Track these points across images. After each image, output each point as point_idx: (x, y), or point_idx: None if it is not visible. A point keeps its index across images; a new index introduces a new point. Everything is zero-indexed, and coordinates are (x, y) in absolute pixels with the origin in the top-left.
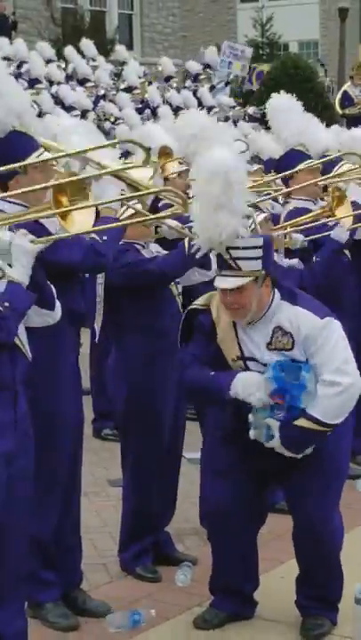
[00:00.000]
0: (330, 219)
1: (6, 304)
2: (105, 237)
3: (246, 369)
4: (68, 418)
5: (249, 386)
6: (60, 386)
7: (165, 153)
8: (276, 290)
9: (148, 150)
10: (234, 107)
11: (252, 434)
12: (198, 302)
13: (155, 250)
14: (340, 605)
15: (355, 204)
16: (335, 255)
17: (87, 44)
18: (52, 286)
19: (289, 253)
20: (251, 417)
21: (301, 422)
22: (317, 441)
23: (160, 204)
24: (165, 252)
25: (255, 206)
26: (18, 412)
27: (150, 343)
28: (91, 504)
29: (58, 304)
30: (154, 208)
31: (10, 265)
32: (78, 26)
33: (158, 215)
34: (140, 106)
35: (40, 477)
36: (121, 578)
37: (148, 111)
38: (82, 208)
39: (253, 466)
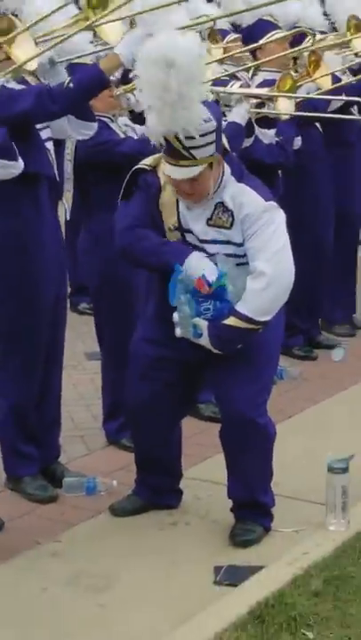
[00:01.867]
0: (307, 81)
1: None
2: (72, 85)
3: (183, 240)
4: (51, 287)
5: (208, 269)
6: (42, 255)
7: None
8: (225, 164)
9: None
10: None
11: (178, 332)
12: (146, 162)
13: (123, 123)
14: (271, 509)
15: (337, 78)
16: (308, 129)
17: None
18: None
19: (267, 123)
20: (176, 316)
21: (231, 321)
22: (248, 339)
23: (131, 75)
24: (133, 124)
25: (233, 76)
26: None
27: None
28: (68, 377)
29: (20, 159)
30: (124, 78)
31: None
32: None
33: None
34: None
35: (21, 349)
36: (98, 450)
37: None
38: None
39: (178, 357)
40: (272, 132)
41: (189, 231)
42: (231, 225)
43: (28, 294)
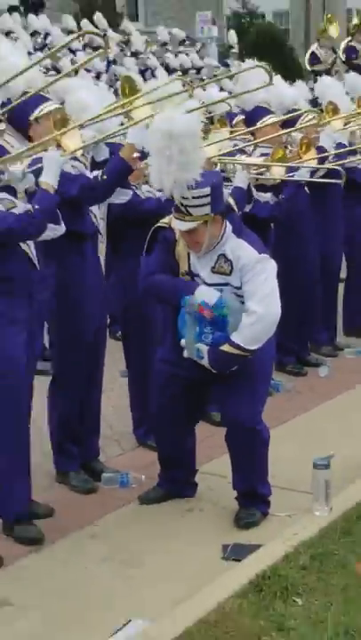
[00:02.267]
0: (298, 162)
1: (36, 206)
2: (105, 176)
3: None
4: (93, 322)
5: (209, 296)
6: (86, 298)
7: None
8: (227, 222)
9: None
10: (218, 67)
11: (185, 353)
12: (164, 221)
13: (145, 190)
14: (268, 494)
15: (320, 149)
16: (298, 191)
17: (100, 18)
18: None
19: (264, 188)
20: (183, 342)
21: (225, 348)
22: (239, 363)
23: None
24: (154, 190)
25: (242, 151)
26: (33, 310)
27: None
28: (109, 391)
29: (62, 223)
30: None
31: (25, 191)
32: (92, 3)
33: None
34: (143, 68)
35: (68, 373)
36: (130, 451)
37: (149, 73)
38: (70, 129)
39: (189, 375)
40: (268, 195)
41: (197, 275)
42: (230, 272)
43: (73, 330)
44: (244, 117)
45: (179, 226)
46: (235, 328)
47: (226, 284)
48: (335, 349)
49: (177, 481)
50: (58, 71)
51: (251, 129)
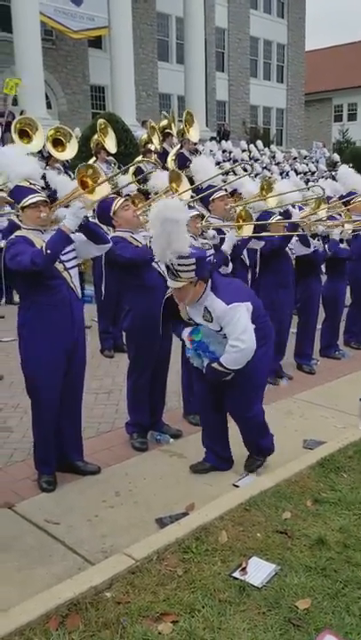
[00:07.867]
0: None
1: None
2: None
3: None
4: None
5: (189, 327)
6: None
7: None
8: (209, 283)
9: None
10: (326, 170)
11: (194, 364)
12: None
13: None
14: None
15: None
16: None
17: (259, 143)
18: None
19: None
20: (191, 360)
21: (215, 365)
22: (224, 377)
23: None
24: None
25: (332, 217)
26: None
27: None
28: None
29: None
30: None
31: None
32: (256, 133)
33: None
34: (280, 171)
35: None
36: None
37: (285, 174)
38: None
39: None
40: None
41: (193, 320)
42: (211, 320)
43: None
44: (338, 197)
45: (170, 284)
46: (221, 354)
47: (210, 328)
48: None
49: (218, 456)
50: (235, 173)
51: (347, 207)
